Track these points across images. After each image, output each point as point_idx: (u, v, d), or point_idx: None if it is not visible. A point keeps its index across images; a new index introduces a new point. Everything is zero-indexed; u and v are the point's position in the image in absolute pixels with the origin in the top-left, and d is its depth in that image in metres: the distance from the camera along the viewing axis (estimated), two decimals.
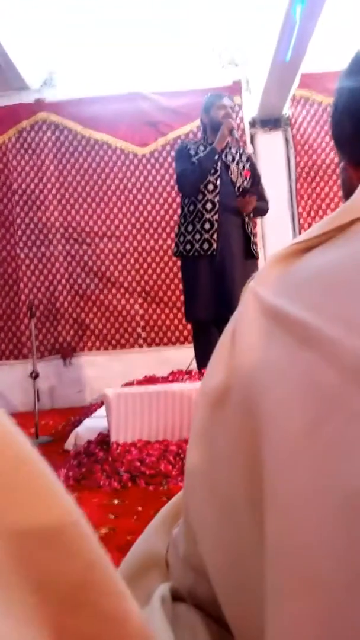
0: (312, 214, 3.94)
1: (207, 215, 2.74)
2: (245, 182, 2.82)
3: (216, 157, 2.74)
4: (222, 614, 0.40)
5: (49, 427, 3.11)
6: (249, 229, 2.81)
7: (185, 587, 0.43)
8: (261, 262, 3.00)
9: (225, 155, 2.83)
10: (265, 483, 0.27)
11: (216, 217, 2.73)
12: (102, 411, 2.68)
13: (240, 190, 2.74)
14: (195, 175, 2.72)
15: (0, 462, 0.23)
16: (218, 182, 2.76)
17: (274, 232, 3.79)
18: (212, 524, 0.33)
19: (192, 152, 2.80)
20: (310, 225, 3.91)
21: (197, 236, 2.75)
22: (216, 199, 2.73)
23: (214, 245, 2.72)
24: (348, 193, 0.62)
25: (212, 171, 2.76)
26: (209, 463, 0.35)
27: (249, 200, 2.71)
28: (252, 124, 3.98)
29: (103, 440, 2.26)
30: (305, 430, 0.27)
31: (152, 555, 0.53)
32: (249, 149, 3.77)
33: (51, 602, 0.22)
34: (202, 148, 2.80)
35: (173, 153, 3.78)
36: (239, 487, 0.31)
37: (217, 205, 2.72)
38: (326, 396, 0.27)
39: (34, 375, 2.88)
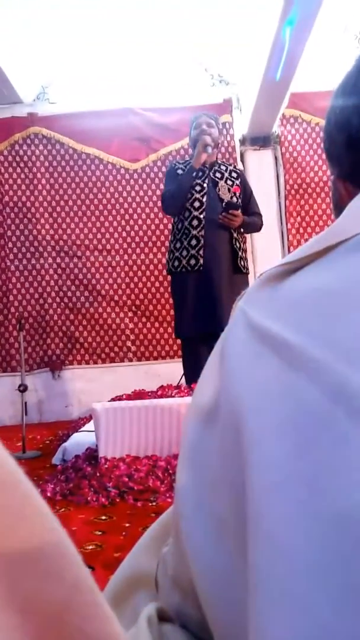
0: (301, 230, 3.99)
1: (194, 232, 2.77)
2: (234, 199, 2.85)
3: (194, 174, 2.79)
4: (208, 635, 0.40)
5: (37, 441, 3.09)
6: (237, 245, 2.83)
7: (173, 606, 0.43)
8: (251, 278, 3.03)
9: (214, 173, 2.87)
10: (249, 507, 0.27)
11: (202, 233, 2.76)
12: (90, 425, 2.67)
13: (225, 205, 2.76)
14: (174, 195, 2.80)
15: None
16: (204, 198, 2.80)
17: (263, 249, 3.83)
18: (201, 545, 0.33)
19: (179, 172, 2.86)
20: (299, 242, 3.96)
21: (184, 252, 2.79)
22: (202, 215, 2.77)
23: (200, 261, 2.75)
24: (336, 206, 0.63)
25: (199, 189, 2.80)
26: (199, 482, 0.35)
27: (232, 216, 2.73)
28: (242, 142, 4.04)
29: (91, 455, 2.25)
30: (291, 453, 0.27)
31: (140, 574, 0.53)
32: (239, 166, 3.82)
33: (34, 623, 0.21)
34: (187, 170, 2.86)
35: (164, 169, 3.83)
36: (226, 508, 0.31)
37: (203, 222, 2.76)
38: (313, 418, 0.27)
39: (22, 389, 2.86)
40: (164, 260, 3.80)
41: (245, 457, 0.28)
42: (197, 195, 2.80)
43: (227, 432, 0.32)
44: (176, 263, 2.83)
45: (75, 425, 3.21)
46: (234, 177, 2.92)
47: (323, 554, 0.24)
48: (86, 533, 1.62)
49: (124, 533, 1.62)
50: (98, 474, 2.03)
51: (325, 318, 0.31)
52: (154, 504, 1.86)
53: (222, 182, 2.86)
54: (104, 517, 1.77)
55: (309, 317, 0.32)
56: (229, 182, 2.88)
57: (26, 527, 0.23)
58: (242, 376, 0.33)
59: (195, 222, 2.78)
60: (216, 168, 2.90)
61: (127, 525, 1.68)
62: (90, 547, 1.52)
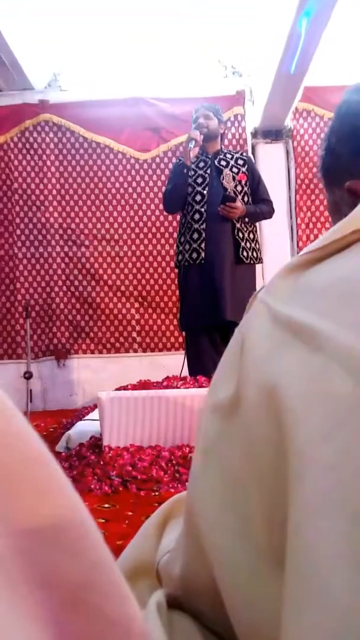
0: (311, 225, 3.97)
1: (195, 226, 2.77)
2: (240, 187, 2.83)
3: (185, 170, 2.79)
4: (218, 623, 0.39)
5: (41, 428, 3.10)
6: (240, 235, 2.80)
7: (182, 592, 0.42)
8: (259, 269, 3.01)
9: (219, 162, 2.85)
10: (290, 494, 0.26)
11: (203, 226, 2.76)
12: (94, 414, 2.67)
13: (222, 198, 2.72)
14: (171, 194, 2.82)
15: (10, 455, 0.22)
16: (206, 191, 2.78)
17: (272, 243, 3.81)
18: (226, 544, 0.32)
19: (183, 170, 2.83)
20: (308, 237, 3.94)
21: (187, 246, 2.80)
22: (203, 209, 2.77)
23: (202, 254, 2.74)
24: (335, 211, 0.64)
25: (200, 181, 2.80)
26: (220, 479, 0.34)
27: (230, 207, 2.71)
28: (254, 135, 4.01)
29: (95, 443, 2.25)
30: (321, 432, 0.26)
31: (142, 564, 0.53)
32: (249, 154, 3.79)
33: (54, 600, 0.21)
34: (194, 159, 2.85)
35: (174, 160, 3.80)
36: (254, 500, 0.31)
37: (204, 215, 2.76)
38: (339, 402, 0.27)
39: (27, 376, 2.86)
40: (171, 252, 3.80)
41: (280, 442, 0.28)
42: (199, 189, 2.80)
43: (253, 421, 0.31)
44: (180, 257, 2.85)
45: (79, 413, 3.21)
46: (240, 165, 2.88)
47: (344, 544, 0.23)
48: None
49: (126, 521, 1.62)
50: (102, 463, 2.03)
51: (351, 304, 0.31)
52: (156, 493, 1.87)
53: (226, 171, 2.83)
54: (107, 505, 1.77)
55: (336, 305, 0.32)
56: (234, 170, 2.85)
57: (50, 503, 0.23)
58: (267, 363, 0.32)
59: (197, 216, 2.78)
60: (221, 157, 2.88)
61: (130, 513, 1.69)
62: None
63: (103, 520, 1.64)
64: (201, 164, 2.83)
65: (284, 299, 0.35)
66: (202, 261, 2.75)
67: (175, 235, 3.69)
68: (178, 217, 3.76)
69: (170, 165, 3.84)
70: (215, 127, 2.85)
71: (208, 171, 2.82)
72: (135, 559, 0.55)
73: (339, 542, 0.23)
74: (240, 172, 2.85)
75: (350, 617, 0.22)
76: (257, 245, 2.91)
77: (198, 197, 2.79)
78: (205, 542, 0.35)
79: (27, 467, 0.23)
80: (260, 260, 2.90)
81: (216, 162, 2.84)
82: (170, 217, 3.88)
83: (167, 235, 3.92)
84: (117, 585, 0.24)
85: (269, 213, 2.95)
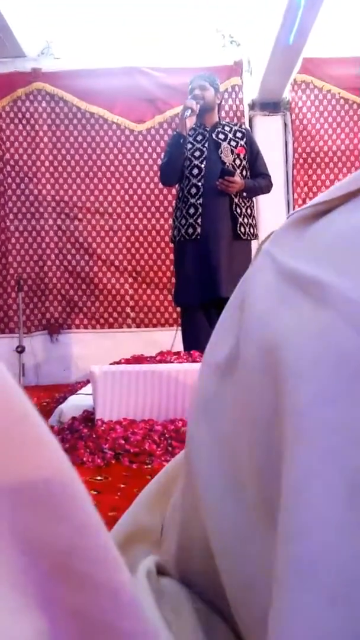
0: (308, 200, 3.91)
1: (192, 200, 2.73)
2: (238, 160, 2.78)
3: (181, 140, 2.72)
4: (209, 588, 0.39)
5: (33, 402, 3.09)
6: (237, 210, 2.76)
7: (175, 556, 0.42)
8: (254, 245, 2.98)
9: (217, 134, 2.79)
10: (285, 450, 0.25)
11: (200, 201, 2.71)
12: (87, 389, 2.67)
13: (220, 172, 2.68)
14: (167, 166, 2.77)
15: None
16: (203, 164, 2.73)
17: (268, 218, 3.77)
18: (218, 499, 0.32)
19: (179, 142, 2.76)
20: None
21: (183, 221, 2.76)
22: (200, 183, 2.72)
23: (198, 230, 2.71)
24: None
25: (198, 154, 2.74)
26: (215, 435, 0.34)
27: (228, 181, 2.66)
28: (252, 107, 3.93)
29: (88, 417, 2.25)
30: (324, 397, 0.25)
31: (139, 529, 0.52)
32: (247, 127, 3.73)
33: (39, 567, 0.20)
34: (192, 132, 2.79)
35: (170, 131, 3.73)
36: (248, 456, 0.30)
37: (201, 189, 2.71)
38: (345, 357, 0.25)
39: (20, 350, 2.85)
40: (166, 226, 3.75)
41: (279, 396, 0.27)
42: (196, 162, 2.74)
43: (252, 375, 0.30)
44: (176, 232, 2.81)
45: (72, 388, 3.21)
46: (238, 138, 2.82)
47: (342, 508, 0.23)
48: None
49: (118, 493, 1.63)
50: (94, 436, 2.03)
51: (358, 258, 0.29)
52: (149, 466, 1.87)
53: (225, 144, 2.77)
54: (99, 478, 1.78)
55: (344, 258, 0.30)
56: (233, 143, 2.80)
57: (34, 462, 0.22)
58: (269, 317, 0.31)
59: (193, 190, 2.73)
60: (219, 129, 2.81)
61: (122, 486, 1.69)
62: None
63: (95, 492, 1.64)
64: (199, 137, 2.77)
65: (289, 252, 0.34)
66: (198, 236, 2.72)
67: (170, 209, 3.65)
68: (174, 191, 3.72)
69: (166, 137, 3.78)
70: (211, 97, 2.78)
71: (206, 144, 2.76)
72: (131, 524, 0.54)
73: (337, 505, 0.23)
74: (239, 145, 2.80)
75: (348, 581, 0.21)
76: (254, 221, 2.88)
77: (195, 171, 2.74)
78: (199, 497, 0.34)
79: (15, 423, 0.22)
80: (256, 237, 2.87)
81: (214, 135, 2.78)
82: (165, 191, 3.82)
83: (162, 209, 3.86)
84: (105, 549, 0.23)
85: (267, 188, 2.90)
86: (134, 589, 0.25)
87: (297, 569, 0.23)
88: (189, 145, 2.76)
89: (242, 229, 2.77)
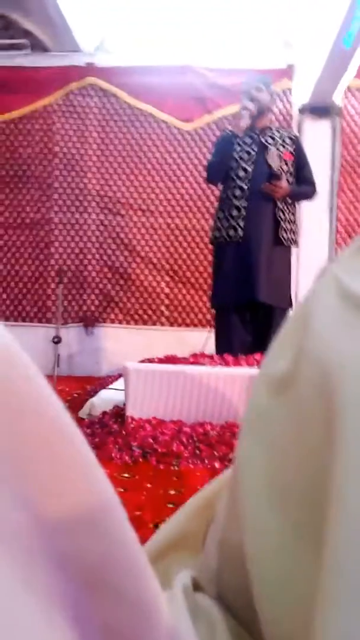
0: (352, 208, 3.85)
1: (236, 202, 2.71)
2: (285, 166, 2.75)
3: (233, 140, 2.72)
4: (243, 607, 0.39)
5: (65, 393, 3.15)
6: (281, 215, 2.73)
7: (212, 570, 0.42)
8: (294, 251, 2.95)
9: (265, 138, 2.77)
10: (333, 479, 0.25)
11: (244, 203, 2.69)
12: (118, 384, 2.70)
13: (268, 175, 2.67)
14: (216, 165, 2.75)
15: (33, 427, 0.21)
16: (250, 167, 2.71)
17: (311, 224, 3.71)
18: (259, 513, 0.32)
19: (232, 141, 2.76)
20: (348, 220, 3.83)
21: (225, 223, 2.74)
22: (245, 186, 2.70)
23: (240, 232, 2.69)
24: None
25: (246, 157, 2.72)
26: (263, 449, 0.34)
27: (275, 186, 2.64)
28: (301, 111, 3.87)
29: (118, 413, 2.28)
30: None
31: (182, 536, 0.52)
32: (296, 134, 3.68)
33: (74, 581, 0.21)
34: (241, 134, 2.77)
35: (218, 132, 3.72)
36: (297, 478, 0.30)
37: (246, 192, 2.69)
38: None
39: (56, 340, 2.90)
40: (206, 227, 3.74)
41: (334, 421, 0.26)
42: (243, 164, 2.72)
43: (308, 401, 0.30)
44: (217, 233, 2.80)
45: (103, 382, 3.25)
46: (287, 144, 2.79)
47: None
48: None
49: (144, 493, 1.64)
50: (124, 432, 2.05)
51: None
52: (176, 467, 1.88)
53: (273, 149, 2.74)
54: (126, 475, 1.79)
55: None
56: (281, 149, 2.77)
57: (72, 484, 0.22)
58: (334, 345, 0.30)
59: (238, 192, 2.71)
60: (269, 134, 2.79)
61: (148, 485, 1.70)
62: None
63: (122, 490, 1.66)
64: (247, 140, 2.75)
65: (355, 274, 0.33)
66: (240, 239, 2.70)
67: (212, 210, 3.64)
68: (216, 192, 3.71)
69: (213, 138, 3.77)
70: (266, 100, 2.76)
71: (254, 147, 2.74)
72: (174, 530, 0.54)
73: None
74: (288, 151, 2.77)
75: None
76: (296, 228, 2.85)
77: (241, 173, 2.72)
78: (243, 512, 0.34)
79: (51, 442, 0.22)
80: (296, 243, 2.84)
81: (263, 139, 2.76)
82: (208, 192, 3.82)
83: (203, 209, 3.86)
84: (139, 565, 0.23)
85: (311, 195, 2.88)
86: (166, 606, 0.25)
87: (338, 601, 0.22)
88: (237, 147, 2.75)
89: (285, 235, 2.74)
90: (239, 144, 2.75)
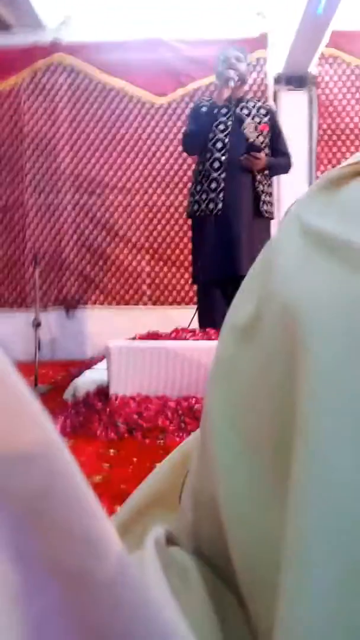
0: None
1: (214, 175, 2.66)
2: (261, 137, 2.71)
3: (216, 110, 2.65)
4: (218, 555, 0.37)
5: (49, 377, 3.11)
6: (260, 188, 2.71)
7: (188, 522, 0.41)
8: (274, 224, 2.93)
9: (241, 109, 2.72)
10: (298, 413, 0.25)
11: (223, 175, 2.65)
12: (102, 364, 2.67)
13: (247, 147, 2.63)
14: (194, 134, 2.69)
15: None
16: (227, 139, 2.66)
17: (290, 195, 3.69)
18: (231, 463, 0.31)
19: (204, 109, 2.71)
20: None
21: (204, 196, 2.69)
22: (223, 158, 2.65)
23: (220, 205, 2.65)
24: None
25: (222, 128, 2.67)
26: (231, 397, 0.33)
27: (254, 157, 2.61)
28: (277, 81, 3.82)
29: (102, 392, 2.25)
30: (346, 361, 0.24)
31: (157, 494, 0.52)
32: (270, 104, 3.64)
33: (9, 513, 0.19)
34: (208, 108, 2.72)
35: (192, 105, 3.65)
36: (264, 419, 0.29)
37: (225, 164, 2.64)
38: None
39: (36, 324, 2.85)
40: (185, 203, 3.70)
41: (296, 358, 0.26)
42: (220, 136, 2.67)
43: (272, 336, 0.30)
44: (195, 207, 2.74)
45: (87, 364, 3.22)
46: (262, 114, 2.75)
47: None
48: (94, 465, 1.64)
49: (131, 467, 1.63)
50: (108, 410, 2.03)
51: None
52: (161, 442, 1.87)
53: (248, 120, 2.70)
54: (112, 451, 1.78)
55: None
56: (256, 120, 2.73)
57: (10, 413, 0.20)
58: (295, 278, 0.30)
59: (216, 165, 2.66)
60: (243, 104, 2.74)
61: (134, 460, 1.69)
62: (98, 478, 1.53)
63: (108, 465, 1.64)
64: (223, 110, 2.70)
65: (318, 214, 0.32)
66: (219, 212, 2.66)
67: (189, 186, 3.59)
68: (192, 167, 3.66)
69: (188, 111, 3.70)
70: (244, 70, 2.72)
71: (231, 118, 2.69)
72: (148, 490, 0.54)
73: (353, 470, 0.22)
74: (262, 122, 2.73)
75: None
76: (272, 200, 2.83)
77: (219, 145, 2.67)
78: (214, 459, 0.34)
79: None
80: (272, 216, 2.82)
81: (238, 110, 2.71)
82: (185, 167, 3.77)
83: (181, 185, 3.81)
84: (80, 497, 0.21)
85: (287, 167, 2.86)
86: (119, 542, 0.24)
87: (306, 540, 0.22)
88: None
89: (265, 207, 2.72)
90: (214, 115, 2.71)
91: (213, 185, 2.67)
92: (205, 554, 0.40)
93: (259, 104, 2.82)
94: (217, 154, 2.67)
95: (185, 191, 3.75)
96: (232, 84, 2.62)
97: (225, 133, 2.67)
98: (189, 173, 3.70)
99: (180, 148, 3.76)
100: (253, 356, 0.32)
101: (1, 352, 0.22)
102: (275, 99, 3.80)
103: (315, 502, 0.22)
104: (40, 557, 0.19)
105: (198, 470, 0.40)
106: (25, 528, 0.19)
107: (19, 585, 0.19)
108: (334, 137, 3.80)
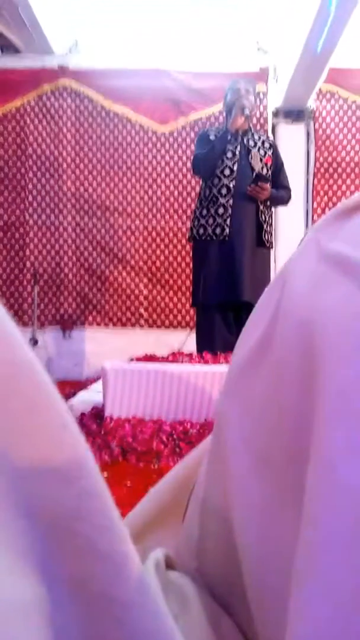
0: (327, 210, 3.90)
1: (222, 200, 2.72)
2: (265, 169, 2.79)
3: (229, 137, 2.73)
4: (220, 580, 0.38)
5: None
6: (263, 217, 2.78)
7: (193, 539, 0.40)
8: (273, 253, 2.99)
9: (247, 140, 2.81)
10: (314, 430, 0.25)
11: (230, 202, 2.71)
12: (97, 386, 2.67)
13: (255, 177, 2.70)
14: (207, 157, 2.73)
15: (16, 376, 0.21)
16: (235, 167, 2.73)
17: (286, 226, 3.76)
18: (244, 472, 0.31)
19: (211, 137, 2.78)
20: None
21: (211, 220, 2.74)
22: (231, 184, 2.72)
23: (226, 231, 2.70)
24: None
25: (230, 155, 2.74)
26: (245, 411, 0.33)
27: (261, 188, 2.68)
28: (275, 114, 3.93)
29: (97, 414, 2.25)
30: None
31: (161, 511, 0.51)
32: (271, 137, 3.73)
33: (39, 530, 0.20)
34: (226, 134, 2.79)
35: (192, 135, 3.74)
36: (276, 438, 0.29)
37: (232, 190, 2.71)
38: None
39: (32, 342, 2.86)
40: (184, 229, 3.75)
41: (315, 378, 0.26)
42: (228, 163, 2.74)
43: (287, 357, 0.30)
44: (201, 230, 2.78)
45: (82, 385, 3.22)
46: (266, 147, 2.85)
47: None
48: None
49: (124, 490, 1.63)
50: (102, 432, 2.04)
51: None
52: (156, 466, 1.87)
53: (254, 151, 2.79)
54: (105, 474, 1.78)
55: None
56: (261, 152, 2.81)
57: (39, 422, 0.21)
58: (311, 299, 0.30)
59: (224, 191, 2.73)
60: (249, 136, 2.83)
61: (128, 483, 1.69)
62: None
63: None
64: (232, 139, 2.78)
65: (334, 237, 0.33)
66: (226, 238, 2.71)
67: (189, 212, 3.65)
68: (193, 194, 3.73)
69: (188, 140, 3.79)
70: (253, 103, 2.82)
71: (238, 147, 2.77)
72: (150, 506, 0.53)
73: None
74: (267, 154, 2.82)
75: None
76: (273, 230, 2.90)
77: (227, 172, 2.74)
78: (228, 471, 0.34)
79: (18, 380, 0.21)
80: (272, 246, 2.89)
81: (245, 141, 2.80)
82: (185, 193, 3.83)
83: (180, 211, 3.87)
84: (111, 518, 0.22)
85: (287, 200, 2.95)
86: (141, 565, 0.24)
87: (316, 557, 0.22)
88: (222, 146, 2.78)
89: (266, 236, 2.79)
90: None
91: (220, 210, 2.72)
92: (207, 575, 0.41)
93: (264, 137, 2.92)
94: (225, 180, 2.73)
95: (184, 217, 3.81)
96: (247, 112, 2.70)
97: (233, 161, 2.74)
98: (189, 199, 3.77)
99: (180, 175, 3.84)
100: (268, 370, 0.32)
101: (45, 374, 0.23)
102: (273, 132, 3.90)
103: (330, 515, 0.22)
104: (65, 574, 0.20)
105: (209, 484, 0.39)
106: (53, 545, 0.20)
107: (45, 598, 0.19)
108: (330, 170, 3.89)
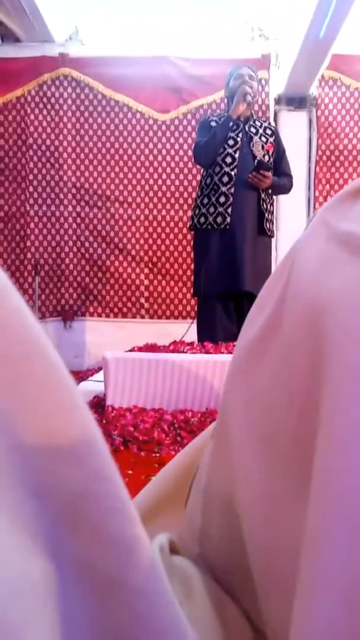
0: (329, 198, 3.87)
1: (223, 189, 2.69)
2: (267, 157, 2.76)
3: (231, 124, 2.69)
4: (222, 565, 0.37)
5: None
6: (264, 206, 2.75)
7: (196, 524, 0.40)
8: (274, 242, 2.96)
9: (249, 127, 2.77)
10: (322, 413, 0.24)
11: (232, 190, 2.68)
12: (99, 376, 2.67)
13: (256, 164, 2.67)
14: (208, 144, 2.69)
15: (10, 346, 0.20)
16: (237, 154, 2.70)
17: (288, 215, 3.73)
18: (250, 456, 0.31)
19: (213, 124, 2.75)
20: None
21: (212, 209, 2.71)
22: (233, 172, 2.69)
23: (228, 219, 2.68)
24: None
25: (232, 143, 2.71)
26: (253, 390, 0.33)
27: (263, 176, 2.65)
28: (277, 101, 3.89)
29: (98, 403, 2.26)
30: None
31: (164, 498, 0.51)
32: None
33: (49, 511, 0.19)
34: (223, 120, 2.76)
35: (194, 122, 3.71)
36: (282, 422, 0.29)
37: (234, 179, 2.68)
38: None
39: None
40: (185, 218, 3.73)
41: (325, 361, 0.25)
42: (230, 151, 2.71)
43: (295, 338, 0.29)
44: (202, 219, 2.75)
45: (83, 375, 3.22)
46: (268, 134, 2.81)
47: None
48: None
49: (126, 479, 1.63)
50: (104, 421, 2.04)
51: None
52: (157, 455, 1.87)
53: (256, 138, 2.75)
54: None
55: None
56: (263, 139, 2.78)
57: (49, 402, 0.21)
58: (320, 278, 0.29)
59: (225, 179, 2.69)
60: (251, 123, 2.79)
61: (129, 472, 1.69)
62: None
63: None
64: (233, 127, 2.74)
65: (344, 217, 0.32)
66: (227, 226, 2.68)
67: (190, 201, 3.63)
68: (194, 183, 3.70)
69: (189, 128, 3.76)
70: (256, 89, 2.77)
71: (240, 135, 2.74)
72: (154, 493, 0.53)
73: None
74: (269, 141, 2.78)
75: None
76: (274, 219, 2.87)
77: (228, 159, 2.70)
78: (232, 455, 0.33)
79: (30, 360, 0.21)
80: (273, 234, 2.86)
81: (247, 128, 2.76)
82: (185, 182, 3.81)
83: (181, 200, 3.84)
84: (122, 501, 0.22)
85: (289, 188, 2.91)
86: (151, 549, 0.24)
87: (325, 540, 0.21)
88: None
89: (267, 225, 2.76)
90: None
91: (222, 199, 2.69)
92: (210, 560, 0.41)
93: (265, 124, 2.87)
94: (227, 169, 2.69)
95: (185, 206, 3.78)
96: (249, 98, 2.67)
97: (235, 148, 2.71)
98: (190, 188, 3.75)
99: (181, 164, 3.81)
100: (275, 351, 0.32)
101: (57, 354, 0.23)
102: (275, 119, 3.87)
103: (338, 499, 0.21)
104: (75, 555, 0.20)
105: (212, 469, 0.39)
106: (63, 526, 0.19)
107: (54, 577, 0.19)
108: (333, 158, 3.85)
